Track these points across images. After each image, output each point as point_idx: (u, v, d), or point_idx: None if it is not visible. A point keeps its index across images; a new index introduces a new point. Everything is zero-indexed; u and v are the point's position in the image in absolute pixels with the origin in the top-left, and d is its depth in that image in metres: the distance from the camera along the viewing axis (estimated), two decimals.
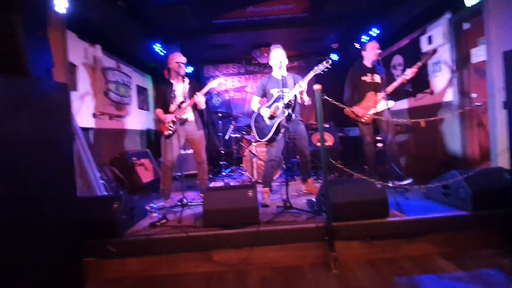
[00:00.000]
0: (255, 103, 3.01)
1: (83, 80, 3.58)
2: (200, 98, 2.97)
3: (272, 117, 2.84)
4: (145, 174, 4.11)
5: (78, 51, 3.53)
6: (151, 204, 2.73)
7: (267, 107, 2.91)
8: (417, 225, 2.06)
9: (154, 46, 4.42)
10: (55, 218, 1.69)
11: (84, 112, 3.55)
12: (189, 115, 3.10)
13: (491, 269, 1.79)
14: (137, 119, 5.03)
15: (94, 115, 3.74)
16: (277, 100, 2.86)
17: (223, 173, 4.55)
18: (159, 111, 3.10)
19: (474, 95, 3.26)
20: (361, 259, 2.01)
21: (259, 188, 2.81)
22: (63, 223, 1.75)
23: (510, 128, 1.91)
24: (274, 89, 2.89)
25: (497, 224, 2.04)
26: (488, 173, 2.25)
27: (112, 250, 1.99)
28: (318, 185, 3.08)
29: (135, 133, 4.94)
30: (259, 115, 2.97)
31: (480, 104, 2.61)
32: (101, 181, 3.15)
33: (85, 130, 3.40)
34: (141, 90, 5.36)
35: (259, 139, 2.96)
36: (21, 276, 1.48)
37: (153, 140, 5.69)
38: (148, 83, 5.78)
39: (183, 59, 3.09)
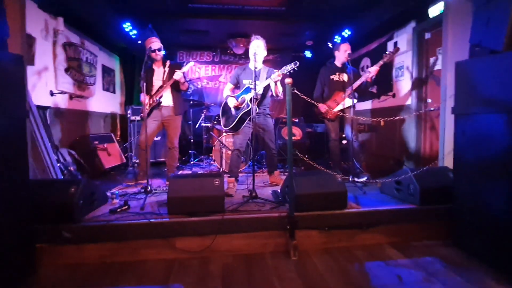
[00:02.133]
0: (227, 91, 3.04)
1: (42, 54, 3.29)
2: (179, 76, 2.94)
3: (237, 108, 2.88)
4: (108, 159, 3.93)
5: (38, 23, 3.24)
6: (113, 190, 2.64)
7: (234, 97, 2.94)
8: (371, 216, 2.22)
9: (124, 26, 4.18)
10: (4, 200, 1.57)
11: (41, 89, 3.28)
12: (166, 99, 3.09)
13: (431, 257, 1.98)
14: (101, 101, 4.76)
15: (53, 94, 3.47)
16: (245, 91, 2.89)
17: (191, 162, 4.50)
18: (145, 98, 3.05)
19: (429, 100, 3.54)
20: (319, 248, 2.12)
21: (226, 178, 2.83)
22: (13, 206, 1.63)
23: (455, 132, 2.11)
24: (247, 80, 2.92)
25: (440, 218, 2.25)
26: (435, 171, 2.46)
27: (67, 235, 1.90)
28: (283, 177, 3.17)
29: (98, 116, 4.68)
30: (227, 103, 2.99)
31: (433, 109, 2.85)
32: (58, 165, 2.96)
33: (42, 108, 3.15)
34: (107, 71, 5.06)
35: (223, 127, 3.02)
36: None
37: (119, 124, 5.44)
38: (115, 64, 5.46)
39: (156, 45, 3.05)
